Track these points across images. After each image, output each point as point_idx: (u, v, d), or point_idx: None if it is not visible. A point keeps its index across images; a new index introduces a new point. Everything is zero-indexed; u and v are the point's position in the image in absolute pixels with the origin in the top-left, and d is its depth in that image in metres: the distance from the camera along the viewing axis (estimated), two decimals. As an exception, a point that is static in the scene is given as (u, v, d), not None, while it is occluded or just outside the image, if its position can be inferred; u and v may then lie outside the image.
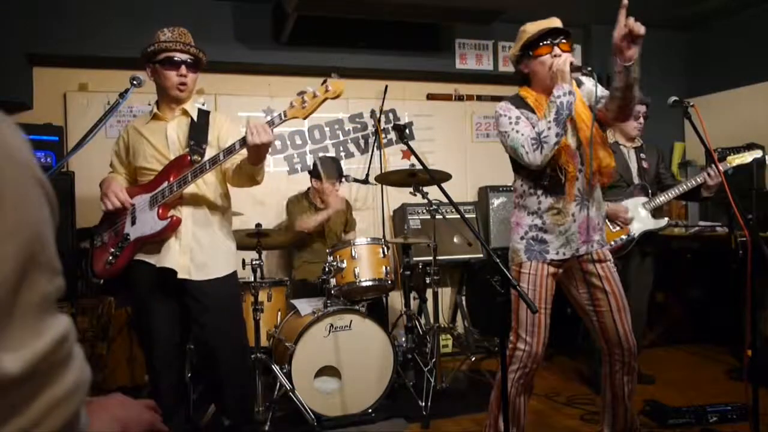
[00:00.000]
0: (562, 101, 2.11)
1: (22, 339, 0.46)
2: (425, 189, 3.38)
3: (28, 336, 0.47)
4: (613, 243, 3.45)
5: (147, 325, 2.47)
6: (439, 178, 3.27)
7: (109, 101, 4.00)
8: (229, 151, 2.26)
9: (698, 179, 3.31)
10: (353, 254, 3.34)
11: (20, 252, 0.46)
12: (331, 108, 4.71)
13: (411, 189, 3.39)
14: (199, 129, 2.48)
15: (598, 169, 2.24)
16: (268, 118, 2.30)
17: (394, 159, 4.78)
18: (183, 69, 2.42)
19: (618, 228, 3.43)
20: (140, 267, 2.43)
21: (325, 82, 2.17)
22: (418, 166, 2.66)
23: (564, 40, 2.22)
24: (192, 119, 2.50)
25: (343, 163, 4.44)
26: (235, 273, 2.58)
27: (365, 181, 4.27)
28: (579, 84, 2.31)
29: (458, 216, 2.15)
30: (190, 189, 2.38)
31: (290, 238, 3.74)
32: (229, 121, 2.62)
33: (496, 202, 4.74)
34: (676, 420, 2.89)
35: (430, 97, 4.99)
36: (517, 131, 2.20)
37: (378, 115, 4.65)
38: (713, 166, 3.21)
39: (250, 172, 2.37)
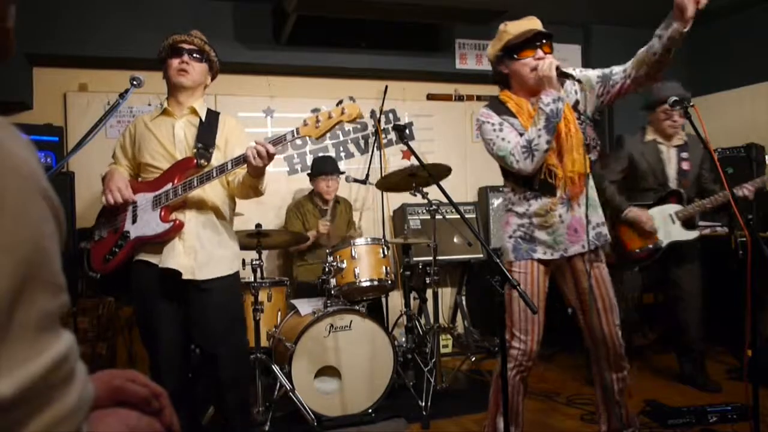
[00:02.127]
0: (552, 108, 2.10)
1: (17, 360, 0.44)
2: (425, 189, 3.38)
3: (24, 356, 0.45)
4: (638, 250, 3.43)
5: (151, 326, 2.46)
6: (439, 171, 3.28)
7: (109, 101, 4.01)
8: (238, 161, 2.28)
9: (727, 195, 3.16)
10: (353, 254, 3.34)
11: (18, 268, 0.44)
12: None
13: (411, 190, 3.39)
14: (207, 131, 2.48)
15: (565, 177, 2.21)
16: (280, 134, 2.30)
17: (394, 159, 4.78)
18: (185, 56, 2.46)
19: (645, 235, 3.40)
20: (143, 267, 2.43)
21: (340, 103, 2.17)
22: (418, 167, 2.66)
23: (546, 42, 2.21)
24: (201, 119, 2.51)
25: (343, 163, 4.46)
26: (237, 274, 2.58)
27: (365, 182, 4.27)
28: (561, 83, 2.23)
29: (458, 216, 2.15)
30: (195, 192, 2.39)
31: (290, 239, 3.75)
32: (239, 127, 2.64)
33: (496, 202, 4.74)
34: (676, 420, 2.89)
35: (430, 97, 4.99)
36: (503, 138, 2.19)
37: (378, 116, 4.65)
38: (748, 183, 3.23)
39: (251, 184, 2.40)
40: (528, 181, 2.25)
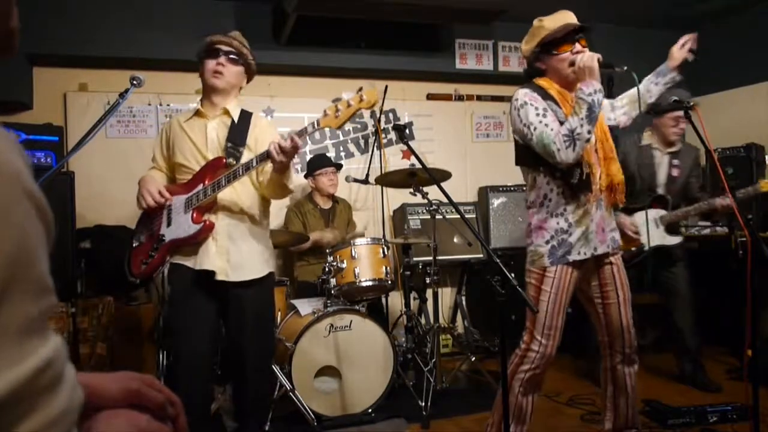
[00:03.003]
0: (594, 99, 2.07)
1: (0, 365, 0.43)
2: (425, 189, 3.38)
3: (7, 362, 0.44)
4: (621, 253, 3.47)
5: (181, 326, 2.45)
6: (440, 176, 3.28)
7: (109, 101, 4.01)
8: (263, 158, 2.26)
9: (713, 203, 3.27)
10: (353, 254, 3.34)
11: (0, 270, 0.43)
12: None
13: (411, 189, 3.39)
14: (238, 131, 2.47)
15: (609, 185, 2.27)
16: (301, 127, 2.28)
17: (394, 159, 4.78)
18: (222, 58, 2.44)
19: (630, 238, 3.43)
20: (178, 270, 2.43)
21: (360, 90, 2.14)
22: (418, 167, 2.66)
23: (582, 36, 2.22)
24: (233, 120, 2.50)
25: (343, 162, 4.46)
26: (272, 274, 2.58)
27: (365, 181, 4.27)
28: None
29: (458, 216, 2.15)
30: (226, 191, 2.38)
31: (290, 239, 3.75)
32: (271, 126, 2.63)
33: (496, 202, 4.74)
34: (676, 420, 2.89)
35: (430, 97, 4.99)
36: (546, 125, 2.12)
37: (378, 115, 4.65)
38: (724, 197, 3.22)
39: (278, 181, 2.37)
40: (565, 174, 2.20)
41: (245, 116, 2.53)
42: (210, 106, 2.51)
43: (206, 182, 2.37)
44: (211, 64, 2.44)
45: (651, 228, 3.42)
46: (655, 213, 3.44)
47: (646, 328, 4.25)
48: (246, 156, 2.43)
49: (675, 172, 3.48)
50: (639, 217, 3.44)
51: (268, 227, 2.65)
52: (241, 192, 2.46)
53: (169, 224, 2.43)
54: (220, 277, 2.37)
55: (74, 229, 3.45)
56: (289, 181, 2.40)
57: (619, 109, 2.45)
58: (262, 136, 2.51)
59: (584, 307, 2.47)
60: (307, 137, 4.61)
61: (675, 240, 3.47)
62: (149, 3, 4.02)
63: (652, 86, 2.41)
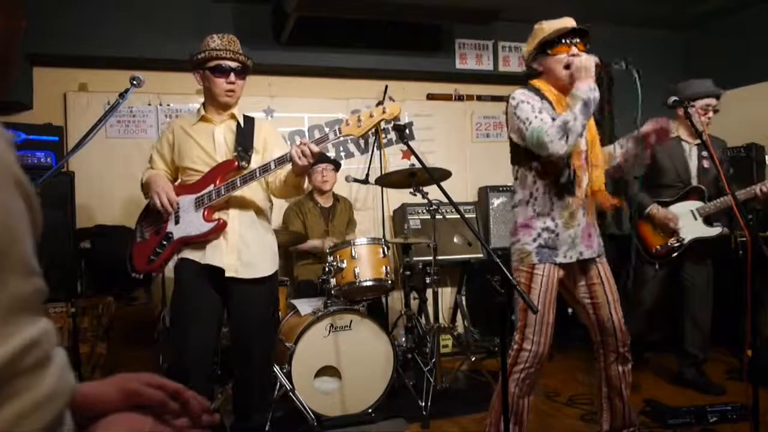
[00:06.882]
0: (589, 96, 2.10)
1: None
2: (425, 189, 3.38)
3: None
4: (659, 247, 3.41)
5: (186, 321, 2.51)
6: (440, 175, 3.27)
7: (109, 101, 3.99)
8: (281, 161, 2.34)
9: (749, 192, 3.24)
10: (353, 254, 3.34)
11: None
12: (331, 108, 4.72)
13: (411, 189, 3.38)
14: (245, 135, 2.56)
15: (592, 192, 2.28)
16: (323, 133, 2.34)
17: (394, 159, 4.78)
18: (232, 76, 2.50)
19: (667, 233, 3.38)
20: (185, 264, 2.50)
21: (381, 103, 2.24)
22: (418, 166, 2.66)
23: (580, 40, 2.24)
24: (239, 124, 2.58)
25: (343, 162, 4.46)
26: (277, 272, 2.66)
27: (365, 181, 4.27)
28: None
29: (458, 216, 2.15)
30: (237, 192, 2.47)
31: (291, 239, 3.75)
32: (274, 129, 2.74)
33: (496, 202, 4.74)
34: (676, 420, 2.89)
35: (430, 97, 4.99)
36: (542, 119, 2.15)
37: (378, 115, 4.65)
38: (765, 182, 3.20)
39: (294, 183, 2.48)
40: (555, 174, 2.23)
41: (248, 120, 2.62)
42: (216, 113, 2.59)
43: (218, 183, 2.44)
44: (222, 83, 2.49)
45: (689, 220, 3.38)
46: (692, 204, 3.39)
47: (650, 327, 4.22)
48: (254, 159, 2.52)
49: (706, 164, 3.43)
50: (676, 209, 3.40)
51: (271, 224, 2.72)
52: (250, 193, 2.53)
53: (177, 222, 2.50)
54: (229, 273, 2.44)
55: (74, 229, 3.45)
56: (304, 183, 2.52)
57: (619, 149, 2.42)
58: (270, 138, 2.62)
59: (574, 309, 2.48)
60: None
61: (715, 231, 3.40)
62: (149, 3, 4.02)
63: (617, 148, 2.40)
